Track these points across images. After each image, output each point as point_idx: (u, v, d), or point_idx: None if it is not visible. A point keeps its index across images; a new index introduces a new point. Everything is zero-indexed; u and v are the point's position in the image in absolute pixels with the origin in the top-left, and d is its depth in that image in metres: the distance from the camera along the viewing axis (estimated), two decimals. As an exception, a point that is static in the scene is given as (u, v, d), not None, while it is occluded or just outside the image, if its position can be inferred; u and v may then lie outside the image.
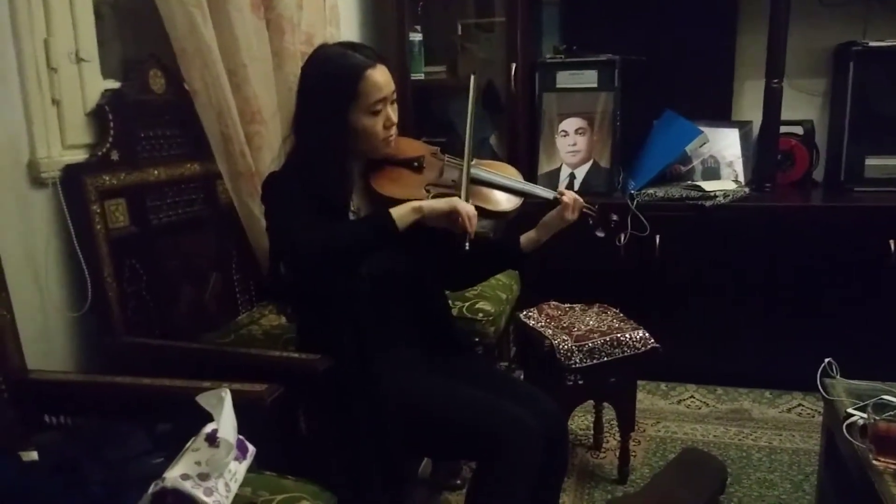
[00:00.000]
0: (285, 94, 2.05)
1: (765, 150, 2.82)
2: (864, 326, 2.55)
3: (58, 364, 1.64)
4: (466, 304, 2.17)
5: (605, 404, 2.31)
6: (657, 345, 2.09)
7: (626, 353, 2.07)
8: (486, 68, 3.00)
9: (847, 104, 2.71)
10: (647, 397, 2.73)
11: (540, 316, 2.23)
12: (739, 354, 2.73)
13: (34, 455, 1.27)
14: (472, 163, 1.62)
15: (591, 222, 1.71)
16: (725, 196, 2.66)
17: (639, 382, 2.25)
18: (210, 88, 1.84)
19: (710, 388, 2.79)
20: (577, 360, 2.02)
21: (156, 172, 1.83)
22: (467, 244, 1.47)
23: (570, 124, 2.90)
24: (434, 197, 1.57)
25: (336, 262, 1.43)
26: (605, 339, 2.06)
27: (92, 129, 1.73)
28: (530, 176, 2.85)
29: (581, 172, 2.89)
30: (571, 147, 2.91)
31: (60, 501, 1.17)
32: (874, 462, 1.34)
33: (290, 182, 1.52)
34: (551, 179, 2.89)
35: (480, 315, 2.14)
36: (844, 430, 1.47)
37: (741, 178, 2.87)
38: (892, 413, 1.36)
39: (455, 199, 1.49)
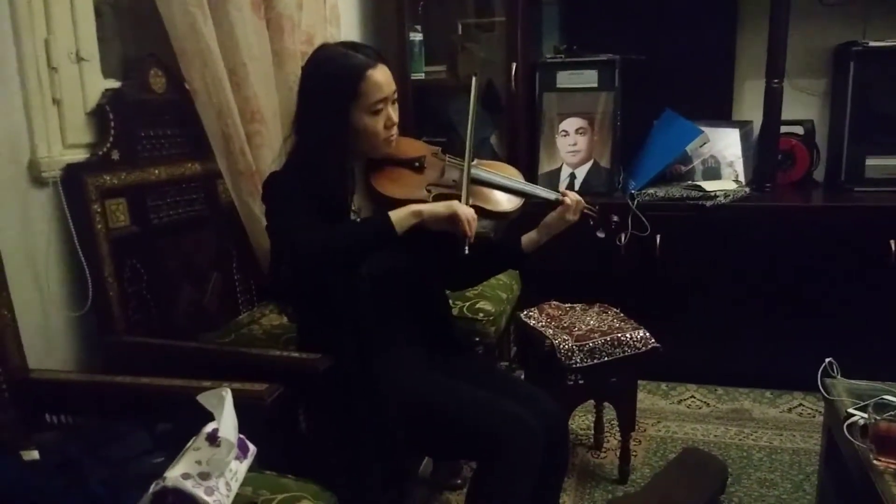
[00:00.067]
0: (285, 93, 2.05)
1: (765, 150, 2.82)
2: (864, 326, 2.55)
3: (58, 363, 1.64)
4: (467, 303, 2.17)
5: (606, 404, 2.31)
6: (657, 345, 2.09)
7: (626, 353, 2.07)
8: (486, 68, 3.00)
9: (847, 104, 2.71)
10: (648, 397, 2.73)
11: (540, 315, 2.23)
12: (740, 354, 2.73)
13: (35, 454, 1.27)
14: (474, 163, 1.62)
15: (591, 223, 1.71)
16: (726, 196, 2.66)
17: (639, 382, 2.25)
18: (210, 88, 1.84)
19: (711, 387, 2.79)
20: (578, 360, 2.02)
21: (156, 172, 1.83)
22: (467, 248, 1.47)
23: (571, 124, 2.90)
24: (435, 197, 1.57)
25: (336, 261, 1.43)
26: (605, 339, 2.06)
27: (92, 129, 1.73)
28: (530, 176, 2.84)
29: (581, 172, 2.89)
30: (572, 147, 2.91)
31: (61, 501, 1.17)
32: (874, 462, 1.34)
33: (291, 182, 1.52)
34: (551, 179, 2.89)
35: (481, 315, 2.14)
36: (845, 430, 1.47)
37: (741, 178, 2.87)
38: (892, 413, 1.36)
39: (455, 202, 1.49)
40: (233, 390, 1.23)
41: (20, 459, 1.25)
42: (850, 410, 1.50)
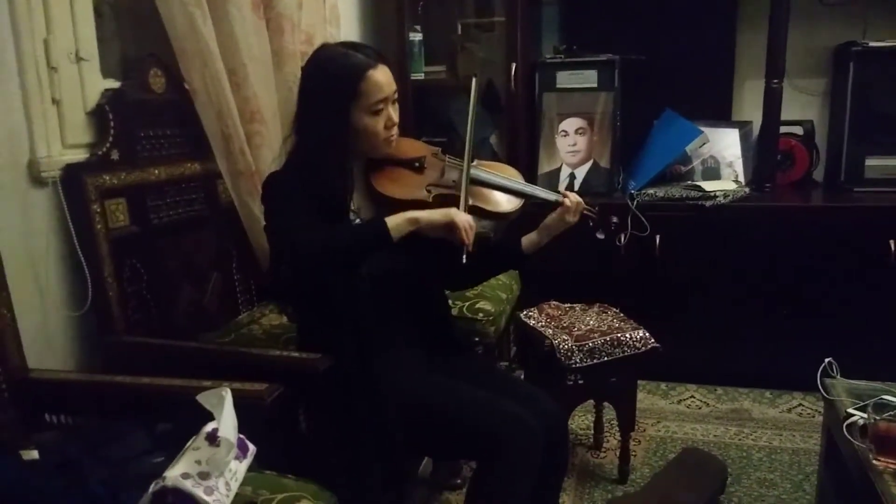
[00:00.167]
0: (285, 93, 2.05)
1: (765, 150, 2.82)
2: (864, 326, 2.55)
3: (58, 363, 1.64)
4: (466, 303, 2.17)
5: (606, 404, 2.31)
6: (657, 344, 2.09)
7: (626, 353, 2.07)
8: (486, 68, 3.00)
9: (847, 104, 2.71)
10: (648, 397, 2.73)
11: (540, 316, 2.23)
12: (739, 354, 2.73)
13: (35, 454, 1.26)
14: (474, 164, 1.62)
15: (591, 224, 1.71)
16: (725, 196, 2.66)
17: (639, 382, 2.25)
18: (210, 88, 1.84)
19: (710, 387, 2.79)
20: (578, 360, 2.02)
21: (156, 172, 1.83)
22: (465, 258, 1.46)
23: (570, 124, 2.90)
24: (435, 197, 1.57)
25: (335, 262, 1.43)
26: (605, 339, 2.06)
27: (92, 129, 1.73)
28: (530, 176, 2.85)
29: (581, 172, 2.89)
30: (571, 147, 2.91)
31: (61, 500, 1.17)
32: (874, 462, 1.35)
33: (291, 182, 1.52)
34: (551, 179, 2.89)
35: (481, 315, 2.14)
36: (844, 430, 1.47)
37: (741, 178, 2.87)
38: (892, 413, 1.36)
39: (453, 210, 1.48)
40: (233, 390, 1.23)
41: (20, 459, 1.25)
42: (850, 410, 1.50)
